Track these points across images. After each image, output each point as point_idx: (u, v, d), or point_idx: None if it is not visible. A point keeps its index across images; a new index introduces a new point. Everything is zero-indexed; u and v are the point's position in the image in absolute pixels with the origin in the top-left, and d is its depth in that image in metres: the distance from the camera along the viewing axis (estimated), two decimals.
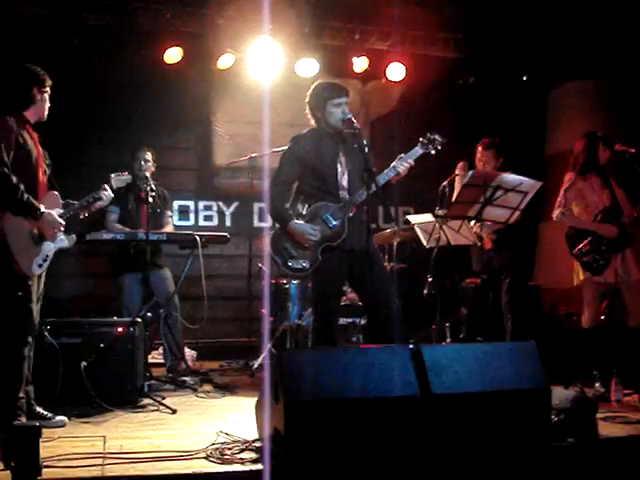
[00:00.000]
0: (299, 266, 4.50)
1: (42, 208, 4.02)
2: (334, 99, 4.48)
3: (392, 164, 4.51)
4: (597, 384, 5.09)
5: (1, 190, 3.91)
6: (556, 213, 5.25)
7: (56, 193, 4.22)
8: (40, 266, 4.08)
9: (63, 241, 4.22)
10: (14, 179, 3.91)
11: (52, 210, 4.10)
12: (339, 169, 4.53)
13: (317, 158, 4.50)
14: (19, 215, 3.99)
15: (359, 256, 4.42)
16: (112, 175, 4.58)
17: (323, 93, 4.53)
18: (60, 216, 4.13)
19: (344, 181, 4.53)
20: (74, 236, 4.31)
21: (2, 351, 3.97)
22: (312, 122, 4.62)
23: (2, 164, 3.92)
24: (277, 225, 4.61)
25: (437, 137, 4.59)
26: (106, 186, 4.44)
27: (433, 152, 4.59)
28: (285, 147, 4.74)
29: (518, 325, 5.64)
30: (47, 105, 4.24)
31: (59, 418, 4.16)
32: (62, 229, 4.15)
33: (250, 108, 7.31)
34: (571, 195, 5.23)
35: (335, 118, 4.48)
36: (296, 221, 4.48)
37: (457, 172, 5.70)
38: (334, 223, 4.46)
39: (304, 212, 4.57)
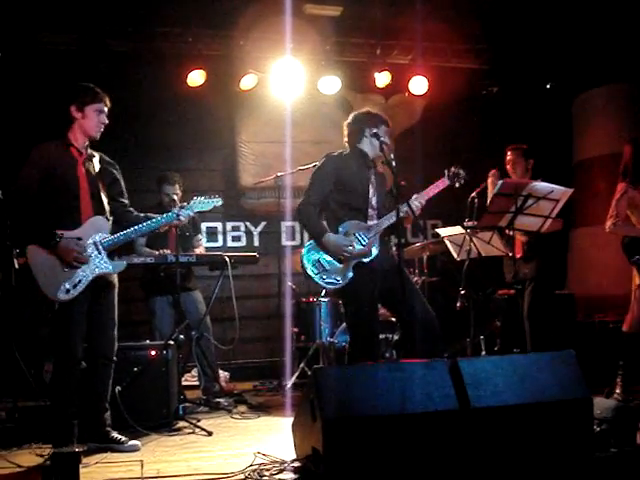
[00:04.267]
0: (332, 280, 4.53)
1: (60, 235, 3.98)
2: (375, 128, 4.57)
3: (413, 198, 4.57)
4: (618, 390, 4.99)
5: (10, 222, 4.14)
6: (608, 224, 5.18)
7: (100, 217, 4.14)
8: (68, 291, 4.02)
9: (106, 267, 4.12)
10: (24, 210, 4.05)
11: (96, 234, 4.10)
12: (370, 189, 4.60)
13: (350, 175, 4.55)
14: (35, 243, 4.04)
15: (388, 274, 4.45)
16: (195, 199, 4.53)
17: (365, 120, 4.65)
18: (104, 240, 4.10)
19: (374, 201, 4.60)
20: (124, 262, 4.23)
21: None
22: (347, 144, 4.70)
23: (18, 191, 4.06)
24: (311, 240, 4.63)
25: (461, 171, 4.68)
26: (177, 210, 4.41)
27: (457, 185, 4.68)
28: (311, 164, 4.77)
29: (549, 334, 5.56)
30: (95, 121, 4.19)
31: (132, 443, 4.16)
32: (83, 256, 4.04)
33: (274, 127, 7.34)
34: (623, 204, 5.16)
35: (371, 147, 4.61)
36: (331, 234, 4.50)
37: (490, 179, 5.65)
38: (365, 241, 4.48)
39: (338, 228, 4.58)
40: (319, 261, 4.54)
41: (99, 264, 4.11)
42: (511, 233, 5.34)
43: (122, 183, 4.41)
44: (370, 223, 4.54)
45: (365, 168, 4.64)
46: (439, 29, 7.06)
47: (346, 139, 4.71)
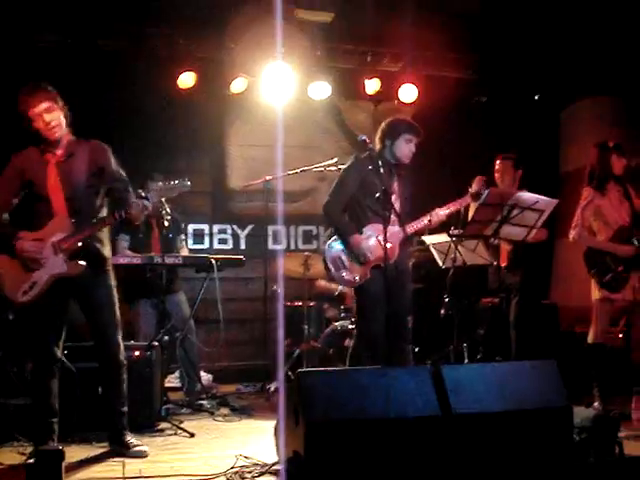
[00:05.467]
0: (350, 278, 4.73)
1: (18, 242, 3.96)
2: (408, 135, 4.77)
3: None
4: (596, 403, 5.04)
5: None
6: (572, 234, 5.22)
7: (64, 217, 3.99)
8: (25, 293, 3.98)
9: (61, 267, 3.99)
10: None
11: (55, 235, 3.98)
12: (394, 194, 4.73)
13: (375, 179, 4.60)
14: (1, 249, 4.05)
15: (402, 275, 4.75)
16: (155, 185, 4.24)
17: (401, 126, 4.82)
18: (61, 241, 3.97)
19: (396, 206, 4.69)
20: (81, 262, 4.02)
21: None
22: (377, 147, 4.83)
23: None
24: (336, 239, 4.82)
25: (485, 191, 4.90)
26: (137, 202, 4.06)
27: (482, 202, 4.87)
28: (301, 169, 4.83)
29: (532, 344, 5.61)
30: (40, 124, 4.01)
31: (138, 449, 4.10)
32: (39, 256, 3.96)
33: (264, 131, 7.35)
34: (588, 213, 5.20)
35: (401, 151, 4.78)
36: (358, 236, 4.69)
37: (473, 187, 5.68)
38: (388, 245, 4.55)
39: (362, 230, 4.76)
40: (340, 258, 4.72)
41: (54, 265, 3.99)
42: (496, 242, 5.39)
43: (112, 166, 4.19)
44: (393, 228, 4.63)
45: (390, 173, 4.77)
46: (429, 38, 7.09)
47: (378, 140, 4.85)
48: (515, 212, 4.84)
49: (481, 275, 6.17)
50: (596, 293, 5.15)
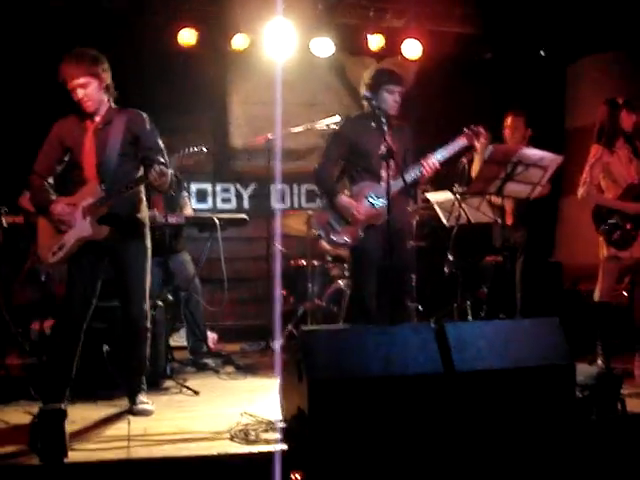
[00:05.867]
0: (342, 241, 4.65)
1: (52, 205, 4.04)
2: (390, 85, 4.65)
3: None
4: (599, 360, 5.04)
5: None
6: (581, 191, 5.16)
7: (94, 183, 4.04)
8: (54, 254, 4.10)
9: (87, 230, 4.05)
10: (32, 186, 4.17)
11: (85, 200, 4.05)
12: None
13: (364, 138, 4.61)
14: (40, 212, 4.20)
15: (398, 236, 4.56)
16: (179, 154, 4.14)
17: (380, 78, 4.69)
18: (89, 205, 4.02)
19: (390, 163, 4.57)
20: (105, 227, 4.07)
21: None
22: (364, 103, 4.72)
23: (32, 171, 4.15)
24: (323, 200, 4.77)
25: (481, 130, 4.76)
26: (155, 168, 3.94)
27: (477, 145, 4.76)
28: (303, 126, 4.79)
29: (536, 301, 5.61)
30: (79, 96, 4.01)
31: (142, 407, 4.10)
32: (67, 219, 4.03)
33: (265, 89, 7.27)
34: (597, 170, 5.13)
35: (387, 104, 4.63)
36: (343, 197, 4.62)
37: (477, 146, 5.62)
38: (378, 204, 4.51)
39: (349, 192, 4.69)
40: (328, 222, 4.65)
41: (81, 228, 4.06)
42: (500, 200, 5.34)
43: (147, 135, 4.16)
44: (383, 185, 4.53)
45: (380, 128, 4.59)
46: None
47: (363, 98, 4.73)
48: (519, 169, 4.78)
49: (485, 233, 6.15)
50: (604, 251, 5.12)
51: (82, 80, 4.01)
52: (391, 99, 4.66)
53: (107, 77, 4.14)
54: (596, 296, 5.16)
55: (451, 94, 7.59)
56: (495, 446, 3.37)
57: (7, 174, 4.95)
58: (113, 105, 4.21)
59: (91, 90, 4.05)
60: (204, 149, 4.20)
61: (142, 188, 4.28)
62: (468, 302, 6.33)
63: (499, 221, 5.59)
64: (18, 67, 6.55)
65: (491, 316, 6.04)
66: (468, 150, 4.94)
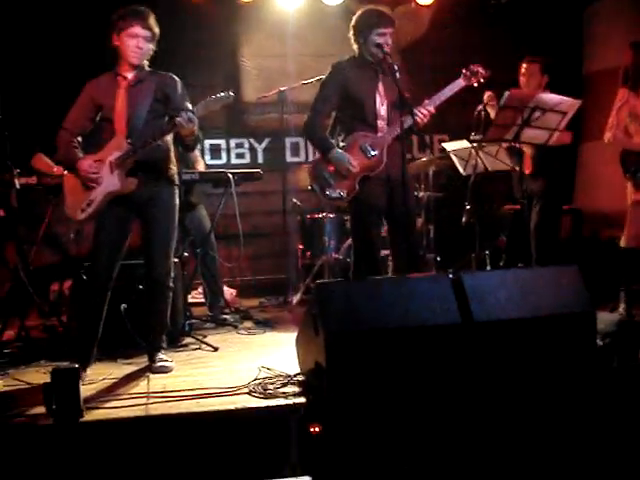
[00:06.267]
0: (337, 195, 4.50)
1: (79, 161, 4.05)
2: (379, 28, 4.41)
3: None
4: (621, 307, 4.99)
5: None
6: (608, 135, 5.04)
7: (122, 137, 4.05)
8: (83, 211, 4.11)
9: (115, 185, 4.04)
10: (60, 142, 4.14)
11: (111, 155, 4.04)
12: (378, 98, 4.49)
13: (356, 86, 4.45)
14: (66, 170, 4.25)
15: (394, 186, 4.42)
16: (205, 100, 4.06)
17: (369, 20, 4.46)
18: (116, 159, 4.02)
19: (382, 111, 4.49)
20: (132, 179, 4.05)
21: None
22: (354, 48, 4.55)
23: (61, 128, 4.14)
24: (316, 154, 4.60)
25: (480, 70, 4.56)
26: (183, 114, 3.91)
27: (476, 85, 4.55)
28: (315, 78, 4.68)
29: (556, 249, 5.53)
30: (130, 46, 4.06)
31: (161, 364, 4.10)
32: (95, 175, 4.03)
33: (276, 41, 7.18)
34: (624, 114, 5.00)
35: (378, 47, 4.41)
36: (336, 149, 4.46)
37: (485, 101, 5.50)
38: (373, 153, 4.42)
39: (342, 142, 4.54)
40: (324, 177, 4.49)
41: (109, 183, 4.07)
42: (518, 147, 5.23)
43: (178, 96, 4.17)
44: (379, 135, 4.45)
45: (372, 75, 4.50)
46: None
47: (352, 40, 4.54)
48: (537, 114, 4.67)
49: (502, 181, 6.06)
50: (632, 196, 5.03)
51: (148, 33, 4.10)
52: (381, 41, 4.40)
53: (156, 43, 4.22)
54: (623, 242, 5.08)
55: (465, 40, 7.43)
56: (515, 397, 3.35)
57: (19, 136, 4.91)
58: (147, 67, 4.23)
59: (149, 46, 4.15)
60: (231, 94, 4.15)
61: (171, 145, 4.26)
62: (486, 252, 6.28)
63: (517, 169, 5.49)
64: (25, 31, 6.51)
65: (510, 265, 5.98)
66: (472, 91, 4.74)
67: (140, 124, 4.09)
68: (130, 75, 4.16)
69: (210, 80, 7.35)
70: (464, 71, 4.56)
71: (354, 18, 4.54)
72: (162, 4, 6.63)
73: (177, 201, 4.27)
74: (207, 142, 7.40)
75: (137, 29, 4.07)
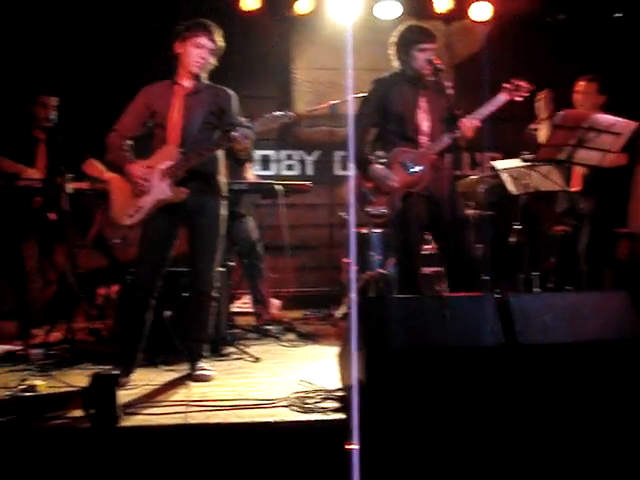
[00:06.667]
0: (377, 212, 4.48)
1: (130, 165, 4.11)
2: (421, 44, 4.38)
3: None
4: None
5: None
6: None
7: (174, 146, 4.08)
8: (130, 216, 4.14)
9: (166, 193, 4.06)
10: (110, 143, 4.19)
11: (163, 163, 4.07)
12: (420, 114, 4.43)
13: (397, 102, 4.41)
14: (116, 171, 4.27)
15: (439, 202, 4.37)
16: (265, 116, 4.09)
17: (411, 36, 4.43)
18: (168, 168, 4.04)
19: (424, 126, 4.43)
20: (184, 189, 4.08)
21: None
22: (395, 64, 4.52)
23: (113, 129, 4.22)
24: (358, 170, 4.54)
25: (522, 84, 4.46)
26: (240, 130, 4.00)
27: (518, 99, 4.45)
28: (364, 93, 4.66)
29: (605, 274, 5.41)
30: (193, 56, 4.12)
31: (202, 372, 4.10)
32: (145, 182, 4.07)
33: (330, 54, 7.19)
34: None
35: (419, 63, 4.38)
36: (376, 165, 4.41)
37: (539, 102, 5.38)
38: (414, 169, 4.36)
39: (383, 158, 4.49)
40: (363, 193, 4.47)
41: (159, 191, 4.09)
42: (568, 166, 5.13)
43: (232, 111, 4.23)
44: (420, 150, 4.40)
45: (414, 90, 4.45)
46: None
47: (393, 56, 4.51)
48: (591, 135, 4.60)
49: (553, 201, 5.96)
50: None
51: (214, 46, 4.18)
52: (423, 58, 4.37)
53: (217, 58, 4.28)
54: None
55: (521, 58, 7.35)
56: (557, 422, 3.27)
57: (72, 141, 5.00)
58: (205, 79, 4.27)
59: (211, 59, 4.22)
60: (290, 113, 4.21)
61: (221, 157, 4.28)
62: (535, 273, 6.17)
63: (568, 189, 5.39)
64: (82, 38, 6.65)
65: (559, 288, 5.87)
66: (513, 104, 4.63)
67: (193, 135, 4.13)
68: (188, 84, 4.20)
69: (263, 92, 7.43)
70: (506, 85, 4.47)
71: (395, 34, 4.51)
72: (217, 15, 6.72)
73: (225, 212, 4.29)
74: (257, 153, 7.45)
75: (203, 40, 4.13)
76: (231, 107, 4.25)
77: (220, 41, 4.21)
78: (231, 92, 4.30)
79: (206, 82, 4.28)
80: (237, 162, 4.37)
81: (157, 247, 4.16)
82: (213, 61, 4.23)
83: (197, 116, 4.15)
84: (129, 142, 4.25)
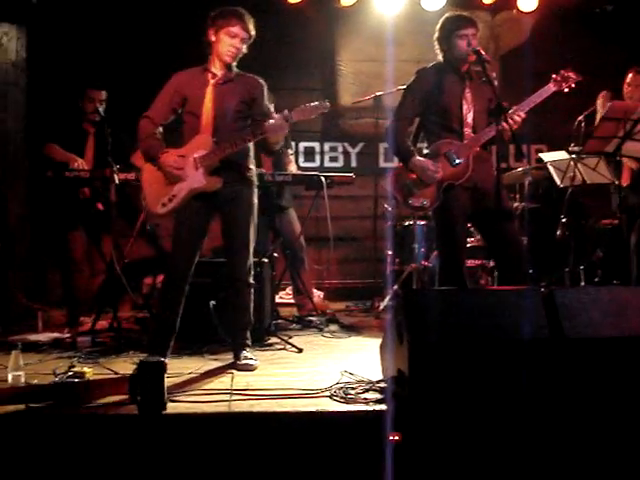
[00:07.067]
0: (419, 204, 4.40)
1: (164, 155, 4.11)
2: (460, 30, 4.30)
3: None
4: None
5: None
6: None
7: (208, 135, 4.11)
8: (164, 205, 4.17)
9: (200, 182, 4.10)
10: (142, 131, 4.21)
11: (196, 152, 4.10)
12: (464, 105, 4.37)
13: (441, 93, 4.35)
14: (147, 160, 4.25)
15: (484, 195, 4.31)
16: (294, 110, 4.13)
17: (449, 24, 4.37)
18: (202, 157, 4.08)
19: (469, 118, 4.37)
20: (218, 178, 4.12)
21: None
22: (439, 57, 4.47)
23: (144, 116, 4.24)
24: (399, 162, 4.52)
25: (572, 74, 4.37)
26: (273, 120, 4.09)
27: (567, 90, 4.38)
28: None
29: None
30: (226, 45, 4.12)
31: (246, 362, 4.11)
32: (180, 171, 4.09)
33: (374, 45, 7.18)
34: None
35: (461, 50, 4.30)
36: (418, 157, 4.38)
37: (599, 100, 5.32)
38: (457, 161, 4.32)
39: (426, 149, 4.46)
40: (406, 185, 4.42)
41: (193, 179, 4.12)
42: (619, 159, 5.06)
43: (263, 100, 4.26)
44: (464, 142, 4.35)
45: (458, 80, 4.39)
46: None
47: (437, 48, 4.46)
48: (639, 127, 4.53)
49: (601, 195, 5.87)
50: None
51: (247, 35, 4.16)
52: (464, 44, 4.28)
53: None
54: None
55: (569, 49, 7.23)
56: (604, 417, 3.23)
57: (120, 133, 5.07)
58: (235, 68, 4.27)
59: (243, 48, 4.19)
60: (327, 104, 4.25)
61: (252, 147, 4.30)
62: (581, 267, 6.09)
63: (616, 182, 5.30)
64: (129, 32, 6.75)
65: (605, 282, 5.79)
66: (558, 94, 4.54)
67: (226, 124, 4.16)
68: (220, 73, 4.21)
69: (307, 83, 7.45)
70: (554, 76, 4.38)
71: (437, 27, 4.46)
72: (262, 6, 6.77)
73: (256, 200, 4.31)
74: (301, 145, 7.48)
75: (237, 29, 4.12)
76: (263, 96, 4.26)
77: (253, 29, 4.19)
78: (261, 81, 4.30)
79: (236, 70, 4.27)
80: (268, 153, 4.37)
81: (191, 235, 4.20)
82: (245, 50, 4.21)
83: (229, 105, 4.17)
84: (160, 129, 4.27)
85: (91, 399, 3.31)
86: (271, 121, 4.07)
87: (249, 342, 4.30)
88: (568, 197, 5.74)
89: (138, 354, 4.31)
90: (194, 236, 4.21)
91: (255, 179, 4.36)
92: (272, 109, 4.28)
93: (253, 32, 4.20)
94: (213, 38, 4.17)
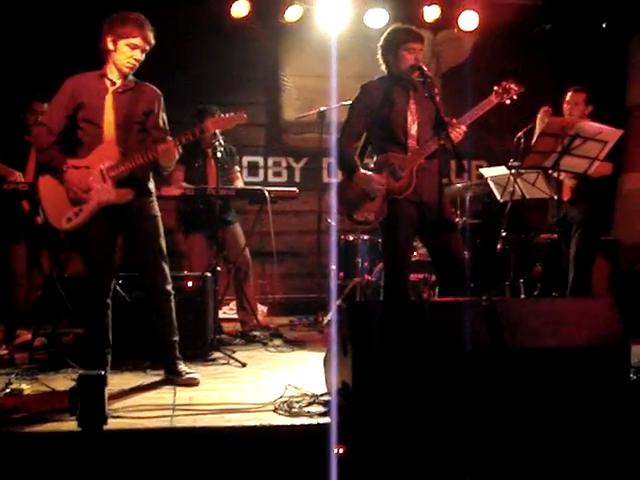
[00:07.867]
0: (363, 219, 4.40)
1: (67, 167, 3.96)
2: (409, 43, 4.33)
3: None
4: None
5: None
6: None
7: (113, 145, 3.99)
8: (69, 220, 4.01)
9: (109, 194, 3.97)
10: (42, 141, 4.05)
11: (103, 162, 3.97)
12: (409, 117, 4.40)
13: (386, 107, 4.37)
14: (47, 173, 4.08)
15: (429, 208, 4.34)
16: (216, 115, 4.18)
17: (397, 37, 4.39)
18: (110, 168, 3.96)
19: (413, 130, 4.40)
20: (128, 190, 4.01)
21: None
22: (383, 67, 4.51)
23: (41, 123, 4.08)
24: (344, 176, 4.53)
25: (513, 86, 4.45)
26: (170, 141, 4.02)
27: (508, 102, 4.46)
28: (351, 101, 4.67)
29: (592, 280, 5.45)
30: (126, 56, 3.98)
31: (189, 376, 4.06)
32: (85, 189, 3.96)
33: (319, 61, 7.21)
34: None
35: (407, 64, 4.33)
36: (362, 171, 4.39)
37: (539, 115, 5.44)
38: (400, 174, 4.34)
39: (373, 163, 4.49)
40: (349, 199, 4.42)
41: (102, 192, 3.99)
42: (557, 175, 5.17)
43: (158, 112, 4.17)
44: (408, 155, 4.38)
45: (403, 93, 4.42)
46: None
47: (381, 59, 4.48)
48: (577, 142, 4.64)
49: (540, 209, 6.00)
50: None
51: (148, 47, 4.03)
52: (411, 58, 4.31)
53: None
54: None
55: (508, 67, 7.39)
56: (543, 426, 3.29)
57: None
58: (131, 76, 4.16)
59: (143, 56, 4.06)
60: (243, 115, 4.18)
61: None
62: (521, 280, 6.20)
63: (555, 197, 5.43)
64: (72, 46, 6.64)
65: (545, 294, 5.91)
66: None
67: (131, 134, 4.06)
68: (119, 82, 4.08)
69: (251, 98, 7.44)
70: (496, 88, 4.45)
71: (382, 37, 4.47)
72: (205, 22, 6.77)
73: (159, 212, 4.23)
74: (245, 159, 7.45)
75: (138, 40, 3.98)
76: (158, 109, 4.17)
77: (153, 39, 4.04)
78: (159, 91, 4.20)
79: (133, 78, 4.15)
80: (158, 174, 4.29)
81: (104, 248, 4.09)
82: (142, 58, 4.08)
83: (132, 115, 4.06)
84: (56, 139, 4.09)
85: (29, 416, 3.23)
86: (166, 144, 3.98)
87: (179, 354, 4.22)
88: (508, 212, 5.83)
89: (77, 370, 4.22)
90: (107, 249, 4.11)
91: (154, 190, 4.25)
92: (165, 122, 4.21)
93: (153, 41, 4.05)
94: (111, 47, 4.00)
